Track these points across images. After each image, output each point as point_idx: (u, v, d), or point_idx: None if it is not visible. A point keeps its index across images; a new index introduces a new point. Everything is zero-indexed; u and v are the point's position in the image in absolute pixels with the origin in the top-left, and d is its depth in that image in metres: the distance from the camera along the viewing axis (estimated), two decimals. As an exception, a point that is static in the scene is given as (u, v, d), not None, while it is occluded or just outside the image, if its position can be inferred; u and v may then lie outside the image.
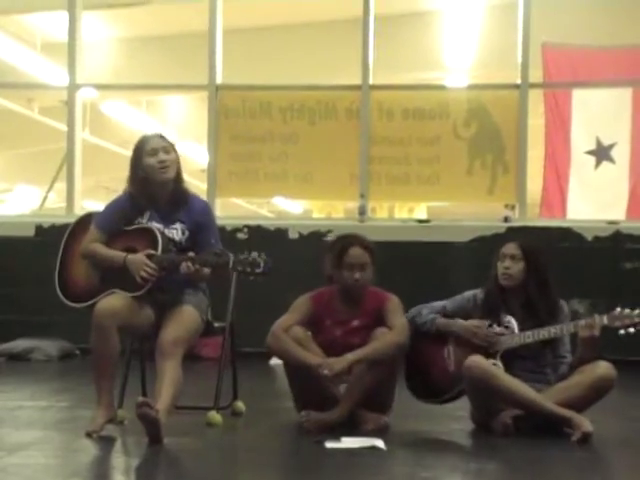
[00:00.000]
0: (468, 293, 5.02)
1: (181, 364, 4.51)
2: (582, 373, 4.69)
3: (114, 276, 4.63)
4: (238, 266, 4.52)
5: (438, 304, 5.01)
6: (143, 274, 4.55)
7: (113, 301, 4.54)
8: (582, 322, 4.69)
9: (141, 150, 4.75)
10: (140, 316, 4.64)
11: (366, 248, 4.90)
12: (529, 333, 4.77)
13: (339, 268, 4.88)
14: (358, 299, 4.93)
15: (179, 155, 4.83)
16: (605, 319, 4.65)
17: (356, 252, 4.87)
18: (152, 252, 4.61)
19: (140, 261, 4.58)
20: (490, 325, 4.83)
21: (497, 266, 4.92)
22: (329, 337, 4.88)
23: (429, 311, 4.96)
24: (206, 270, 4.63)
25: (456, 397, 4.91)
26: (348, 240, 4.98)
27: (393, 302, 4.91)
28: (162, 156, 4.72)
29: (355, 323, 4.91)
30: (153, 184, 4.75)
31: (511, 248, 4.91)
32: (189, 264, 4.56)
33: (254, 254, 4.53)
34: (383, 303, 4.90)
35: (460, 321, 4.89)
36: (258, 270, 4.51)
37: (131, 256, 4.61)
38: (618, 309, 4.67)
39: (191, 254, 4.61)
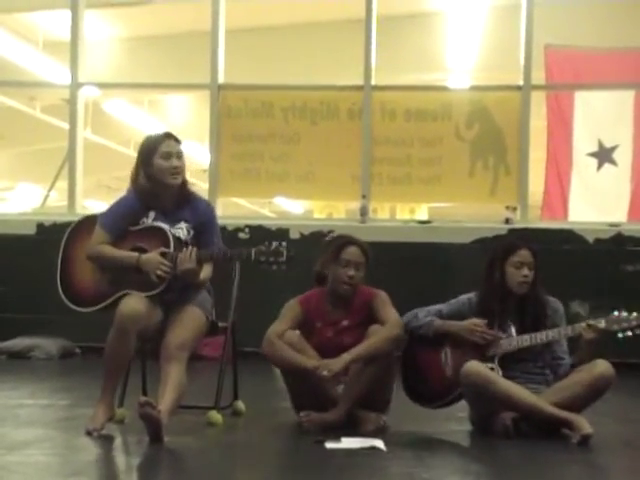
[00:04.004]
0: (463, 297, 5.01)
1: (186, 367, 4.51)
2: (581, 372, 4.69)
3: (125, 277, 4.62)
4: (261, 257, 4.54)
5: (433, 308, 4.99)
6: (159, 272, 4.54)
7: (136, 305, 4.51)
8: (581, 325, 4.69)
9: (153, 150, 4.71)
10: (153, 317, 4.63)
11: (363, 250, 4.95)
12: (526, 337, 4.77)
13: (335, 264, 4.90)
14: (347, 299, 4.94)
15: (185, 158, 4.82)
16: (603, 322, 4.66)
17: (354, 250, 4.92)
18: (165, 250, 4.60)
19: (156, 260, 4.56)
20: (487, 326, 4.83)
21: (506, 271, 4.87)
22: (321, 339, 4.89)
23: (425, 314, 4.94)
24: (196, 267, 4.59)
25: (453, 402, 4.91)
26: (348, 239, 5.03)
27: (381, 297, 4.92)
28: (175, 162, 4.69)
29: (345, 323, 4.92)
30: (160, 185, 4.72)
31: (528, 256, 4.87)
32: (191, 252, 4.54)
33: (275, 243, 4.57)
34: (371, 300, 4.91)
35: (457, 323, 4.88)
36: (281, 259, 4.53)
37: (145, 255, 4.60)
38: (615, 312, 4.68)
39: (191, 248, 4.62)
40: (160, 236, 4.65)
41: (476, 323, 4.81)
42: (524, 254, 4.88)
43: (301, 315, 4.94)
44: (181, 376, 4.45)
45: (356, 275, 4.89)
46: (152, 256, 4.58)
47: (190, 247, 4.60)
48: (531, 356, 4.82)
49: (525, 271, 4.85)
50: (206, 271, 4.73)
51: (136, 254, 4.61)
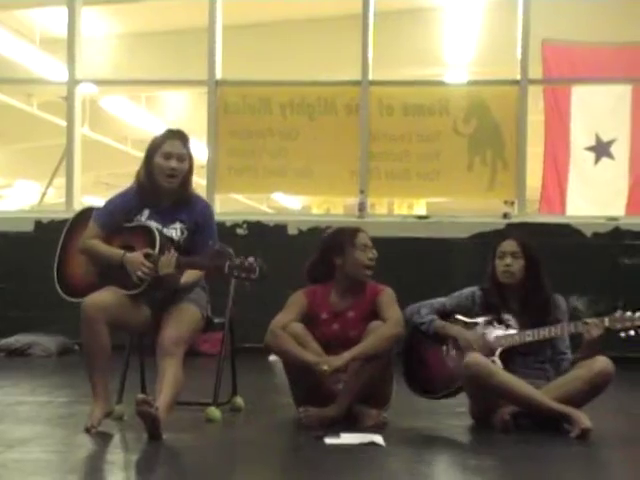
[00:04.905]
0: (467, 290, 5.03)
1: (182, 363, 4.50)
2: (581, 368, 4.68)
3: (111, 273, 4.62)
4: (234, 271, 4.49)
5: (437, 302, 5.01)
6: (139, 274, 4.54)
7: (102, 296, 4.51)
8: (584, 322, 4.69)
9: (157, 147, 4.69)
10: (134, 313, 4.61)
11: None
12: (529, 332, 4.77)
13: (351, 249, 4.92)
14: (359, 289, 4.94)
15: (193, 160, 4.75)
16: (606, 321, 4.66)
17: (367, 236, 5.01)
18: (150, 252, 4.58)
19: (137, 261, 4.55)
20: (489, 322, 4.84)
21: (495, 263, 4.93)
22: (326, 331, 4.89)
23: (428, 310, 4.96)
24: (176, 272, 4.57)
25: (454, 393, 4.92)
26: (354, 227, 5.11)
27: (387, 294, 4.94)
28: (174, 164, 4.66)
29: (351, 314, 4.93)
30: (157, 183, 4.72)
31: (511, 245, 4.92)
32: (171, 258, 4.52)
33: (250, 259, 4.47)
34: (377, 295, 4.93)
35: (458, 327, 4.89)
36: (253, 276, 4.46)
37: (129, 255, 4.59)
38: (619, 311, 4.68)
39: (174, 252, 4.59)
40: (148, 236, 4.64)
41: (474, 339, 4.81)
42: (506, 244, 4.93)
43: (306, 306, 4.94)
44: (178, 372, 4.44)
45: (374, 258, 4.96)
46: (135, 256, 4.57)
47: (172, 252, 4.58)
48: (532, 350, 4.82)
49: (507, 260, 4.88)
50: (191, 275, 4.69)
51: (121, 252, 4.61)
